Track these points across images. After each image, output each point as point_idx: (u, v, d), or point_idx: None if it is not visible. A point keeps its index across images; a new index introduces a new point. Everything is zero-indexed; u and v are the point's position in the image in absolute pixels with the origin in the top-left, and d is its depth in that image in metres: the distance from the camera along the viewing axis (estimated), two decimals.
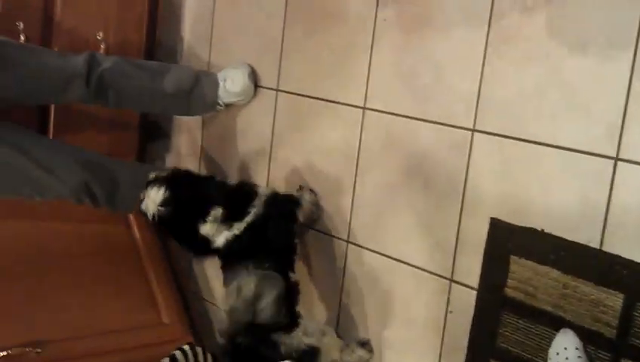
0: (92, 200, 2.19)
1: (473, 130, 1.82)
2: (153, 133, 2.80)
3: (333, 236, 2.19)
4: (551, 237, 1.67)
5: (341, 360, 2.04)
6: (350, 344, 2.09)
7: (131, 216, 2.65)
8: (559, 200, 1.67)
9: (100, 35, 2.45)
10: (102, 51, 2.42)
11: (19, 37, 2.29)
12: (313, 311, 2.26)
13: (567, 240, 1.64)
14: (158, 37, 2.72)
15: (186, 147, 2.72)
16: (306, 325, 1.96)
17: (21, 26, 2.28)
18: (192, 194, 1.98)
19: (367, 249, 2.10)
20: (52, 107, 2.45)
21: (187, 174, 2.07)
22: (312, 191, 2.23)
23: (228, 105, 2.39)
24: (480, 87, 1.81)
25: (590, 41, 1.62)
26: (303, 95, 2.25)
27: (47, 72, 2.16)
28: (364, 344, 2.11)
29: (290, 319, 1.94)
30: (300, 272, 2.16)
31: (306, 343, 1.92)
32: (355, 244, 2.13)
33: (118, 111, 2.52)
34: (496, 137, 1.78)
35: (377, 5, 2.03)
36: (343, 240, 2.16)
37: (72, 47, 2.34)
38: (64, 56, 2.22)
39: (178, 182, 1.98)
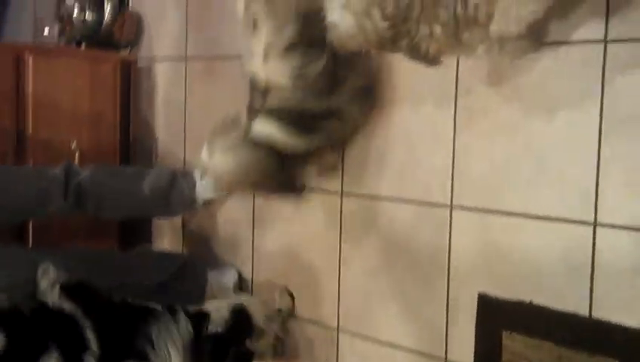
0: None
1: (451, 207, 1.82)
2: (133, 239, 2.76)
3: (323, 325, 2.15)
4: (540, 309, 1.64)
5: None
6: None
7: None
8: (544, 270, 1.65)
9: (73, 145, 2.45)
10: (77, 160, 2.41)
11: None
12: None
13: (555, 310, 1.62)
14: (132, 138, 2.72)
15: (168, 242, 2.69)
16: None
17: None
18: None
19: (358, 335, 2.06)
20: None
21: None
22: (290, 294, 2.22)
23: (207, 202, 2.38)
24: (453, 162, 1.81)
25: (556, 107, 1.63)
26: None
27: (23, 189, 2.15)
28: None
29: None
30: None
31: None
32: (345, 332, 2.09)
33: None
34: (475, 212, 1.77)
35: None
36: (333, 328, 2.13)
37: (47, 159, 2.34)
38: (39, 170, 2.21)
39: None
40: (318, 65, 1.76)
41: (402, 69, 1.90)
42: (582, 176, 1.59)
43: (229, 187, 2.12)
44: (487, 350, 1.73)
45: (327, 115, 1.86)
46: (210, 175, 2.06)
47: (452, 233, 1.81)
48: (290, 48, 1.74)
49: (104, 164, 2.38)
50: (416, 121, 1.89)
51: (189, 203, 2.36)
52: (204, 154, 1.93)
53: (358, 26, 1.39)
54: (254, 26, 1.73)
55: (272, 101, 1.81)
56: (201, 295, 2.25)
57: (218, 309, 2.03)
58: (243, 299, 2.17)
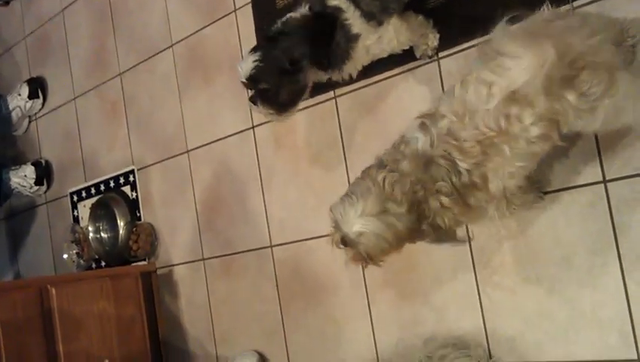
0: None
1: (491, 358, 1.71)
2: None
3: None
4: None
5: None
6: None
7: None
8: None
9: None
10: None
11: None
12: None
13: None
14: (162, 342, 2.61)
15: None
16: None
17: None
18: None
19: None
20: None
21: None
22: None
23: None
24: (484, 322, 1.73)
25: (573, 253, 1.58)
26: None
27: None
28: None
29: None
30: None
31: None
32: None
33: None
34: None
35: (364, 275, 1.99)
36: None
37: None
38: None
39: None
40: None
41: (421, 252, 1.86)
42: (615, 317, 1.51)
43: None
44: None
45: None
46: None
47: None
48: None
49: None
50: (441, 289, 1.83)
51: None
52: None
53: (384, 224, 1.37)
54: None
55: None
56: None
57: None
58: None
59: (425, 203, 1.39)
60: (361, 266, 1.48)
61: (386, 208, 1.38)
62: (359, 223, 1.40)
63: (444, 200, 1.38)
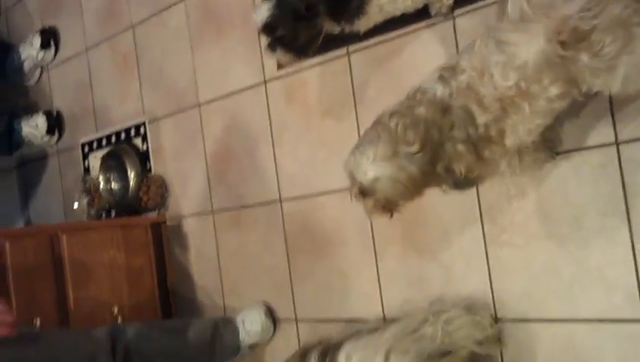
0: None
1: (497, 322, 1.72)
2: None
3: None
4: None
5: None
6: None
7: None
8: None
9: (115, 310, 2.38)
10: (119, 322, 2.34)
11: None
12: None
13: None
14: (170, 291, 2.64)
15: None
16: None
17: (38, 322, 2.17)
18: None
19: None
20: None
21: None
22: None
23: (252, 347, 2.28)
24: (490, 279, 1.74)
25: (582, 214, 1.57)
26: (321, 320, 2.15)
27: (73, 350, 2.05)
28: None
29: None
30: None
31: None
32: None
33: None
34: (521, 323, 1.68)
35: (372, 222, 2.00)
36: None
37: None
38: (86, 334, 2.12)
39: None
40: None
41: (430, 208, 1.85)
42: (623, 276, 1.51)
43: None
44: None
45: None
46: None
47: (504, 347, 1.71)
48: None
49: (148, 322, 2.29)
50: (448, 244, 1.83)
51: (234, 350, 2.27)
52: None
53: (397, 167, 1.36)
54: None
55: None
56: None
57: None
58: None
59: (440, 145, 1.38)
60: (382, 216, 1.47)
61: (398, 151, 1.36)
62: (372, 170, 1.38)
63: (460, 147, 1.37)
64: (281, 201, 2.26)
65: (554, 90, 1.27)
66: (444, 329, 1.64)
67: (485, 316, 1.72)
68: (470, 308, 1.74)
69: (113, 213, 2.82)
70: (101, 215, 2.86)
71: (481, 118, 1.34)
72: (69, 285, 2.34)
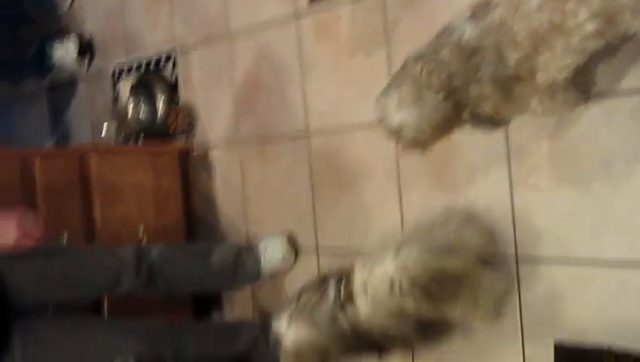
0: None
1: (517, 257, 1.74)
2: (205, 308, 2.70)
3: None
4: (618, 352, 1.53)
5: None
6: None
7: None
8: (619, 316, 1.56)
9: (140, 230, 2.43)
10: (144, 243, 2.39)
11: None
12: None
13: (633, 355, 1.51)
14: (195, 216, 2.69)
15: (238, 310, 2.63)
16: None
17: (65, 236, 2.24)
18: None
19: None
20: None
21: None
22: None
23: (273, 274, 2.33)
24: (513, 218, 1.75)
25: (611, 160, 1.57)
26: (342, 253, 2.18)
27: (98, 267, 2.11)
28: None
29: None
30: None
31: None
32: None
33: None
34: (542, 265, 1.69)
35: (398, 157, 2.01)
36: None
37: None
38: (112, 251, 2.18)
39: None
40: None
41: (457, 147, 1.84)
42: None
43: None
44: None
45: None
46: None
47: (521, 287, 1.73)
48: None
49: (172, 245, 2.34)
50: (473, 184, 1.84)
51: (255, 276, 2.32)
52: None
53: (421, 113, 1.36)
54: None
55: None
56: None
57: None
58: None
59: (464, 91, 1.38)
60: (411, 153, 1.48)
61: (422, 97, 1.37)
62: (397, 115, 1.40)
63: (487, 87, 1.36)
64: (307, 135, 2.27)
65: (589, 27, 1.25)
66: (455, 232, 1.66)
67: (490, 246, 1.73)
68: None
69: (141, 140, 2.84)
70: (129, 140, 2.89)
71: (513, 55, 1.33)
72: (97, 204, 2.39)
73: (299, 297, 1.71)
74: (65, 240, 2.22)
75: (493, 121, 1.43)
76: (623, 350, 1.52)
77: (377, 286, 1.59)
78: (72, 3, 3.33)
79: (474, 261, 1.61)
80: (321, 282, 1.72)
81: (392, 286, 1.56)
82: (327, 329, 1.65)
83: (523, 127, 1.70)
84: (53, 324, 1.99)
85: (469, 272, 1.60)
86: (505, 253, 1.74)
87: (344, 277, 1.66)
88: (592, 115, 1.59)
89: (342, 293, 1.65)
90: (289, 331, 1.68)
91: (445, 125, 1.44)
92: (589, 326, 1.60)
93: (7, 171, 2.23)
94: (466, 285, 1.60)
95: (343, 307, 1.64)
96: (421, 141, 1.42)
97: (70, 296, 2.08)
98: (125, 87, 2.95)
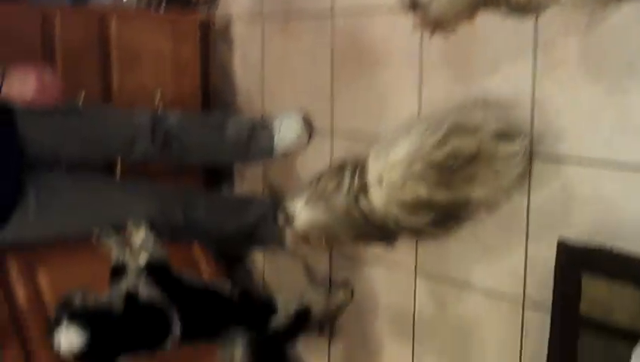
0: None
1: (531, 156, 1.72)
2: (216, 179, 2.72)
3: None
4: (622, 254, 1.54)
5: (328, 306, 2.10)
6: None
7: None
8: (625, 218, 1.55)
9: (158, 96, 2.41)
10: (160, 110, 2.37)
11: None
12: None
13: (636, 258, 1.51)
14: (212, 88, 2.66)
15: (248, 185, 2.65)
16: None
17: (82, 95, 2.22)
18: None
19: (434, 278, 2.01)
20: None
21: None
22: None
23: (285, 153, 2.33)
24: (532, 113, 1.71)
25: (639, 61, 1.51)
26: (356, 137, 2.17)
27: (114, 128, 2.13)
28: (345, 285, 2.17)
29: None
30: None
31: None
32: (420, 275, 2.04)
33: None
34: (555, 163, 1.68)
35: (422, 45, 1.95)
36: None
37: None
38: (129, 113, 2.18)
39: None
40: None
41: (483, 35, 1.78)
42: None
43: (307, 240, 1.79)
44: (566, 295, 1.64)
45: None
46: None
47: (532, 183, 1.72)
48: None
49: (189, 114, 2.35)
50: (494, 75, 1.78)
51: (268, 152, 2.33)
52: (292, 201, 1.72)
53: None
54: None
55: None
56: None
57: (286, 306, 2.01)
58: (309, 295, 2.12)
59: None
60: (428, 39, 1.44)
61: None
62: None
63: None
64: (333, 15, 2.21)
65: None
66: (471, 115, 1.65)
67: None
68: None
69: (163, 7, 2.77)
70: (150, 6, 2.82)
71: None
72: (115, 68, 2.37)
73: (317, 182, 1.70)
74: (82, 99, 2.21)
75: (525, 8, 1.37)
76: (628, 252, 1.52)
77: (391, 174, 1.58)
78: None
79: (489, 137, 1.58)
80: (339, 169, 1.72)
81: (406, 169, 1.55)
82: (339, 217, 1.66)
83: (552, 22, 1.64)
84: (68, 178, 2.02)
85: (484, 147, 1.57)
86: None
87: (359, 166, 1.65)
88: (625, 14, 1.52)
89: (356, 184, 1.64)
90: (302, 212, 1.68)
91: (475, 5, 1.38)
92: (596, 228, 1.60)
93: (28, 27, 2.20)
94: (481, 162, 1.57)
95: (356, 198, 1.64)
96: (444, 18, 1.37)
97: (85, 155, 2.10)
98: None
